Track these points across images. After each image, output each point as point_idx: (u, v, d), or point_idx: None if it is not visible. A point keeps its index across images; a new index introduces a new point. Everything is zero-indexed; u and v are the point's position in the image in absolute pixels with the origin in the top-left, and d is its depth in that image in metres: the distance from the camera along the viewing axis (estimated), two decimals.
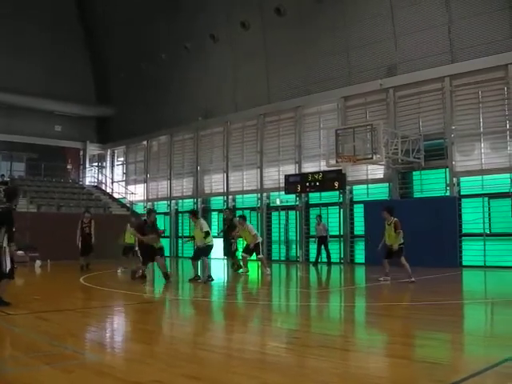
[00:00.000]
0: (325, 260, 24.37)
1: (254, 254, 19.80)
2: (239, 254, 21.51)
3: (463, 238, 22.45)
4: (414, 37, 24.15)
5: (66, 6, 38.81)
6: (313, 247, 26.72)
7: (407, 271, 15.76)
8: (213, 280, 16.71)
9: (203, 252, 17.20)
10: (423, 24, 23.77)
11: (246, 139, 31.06)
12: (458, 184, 22.95)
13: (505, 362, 6.40)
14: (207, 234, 17.05)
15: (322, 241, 24.06)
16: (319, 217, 24.59)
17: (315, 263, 24.10)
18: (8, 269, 10.42)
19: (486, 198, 22.05)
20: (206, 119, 32.93)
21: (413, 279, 15.57)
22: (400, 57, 24.69)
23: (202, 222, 17.79)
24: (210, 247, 17.28)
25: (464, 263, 21.83)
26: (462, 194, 22.97)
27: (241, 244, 21.67)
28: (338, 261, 25.76)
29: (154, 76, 35.77)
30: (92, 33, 40.08)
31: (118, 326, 9.96)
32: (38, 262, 23.32)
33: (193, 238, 18.43)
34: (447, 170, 23.08)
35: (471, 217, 21.57)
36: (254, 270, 21.85)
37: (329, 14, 26.81)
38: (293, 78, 28.57)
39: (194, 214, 18.03)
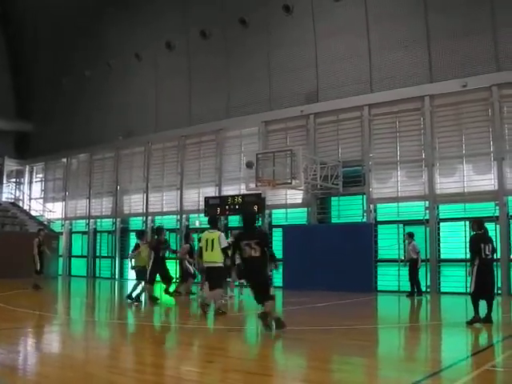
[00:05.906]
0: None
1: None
2: None
3: (379, 263, 22.89)
4: (335, 65, 24.70)
5: None
6: None
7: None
8: None
9: None
10: (345, 53, 24.39)
11: (167, 160, 30.86)
12: (375, 210, 23.44)
13: None
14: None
15: (413, 265, 19.75)
16: (409, 235, 20.19)
17: (410, 294, 19.70)
18: None
19: (401, 225, 22.59)
20: (126, 138, 32.57)
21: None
22: (321, 84, 25.16)
23: None
24: None
25: (379, 288, 22.22)
26: (378, 220, 23.46)
27: None
28: None
29: (75, 92, 35.16)
30: (15, 43, 38.96)
31: (29, 348, 9.67)
32: None
33: None
34: (364, 196, 23.55)
35: (387, 243, 22.00)
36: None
37: (253, 39, 27.12)
38: (215, 101, 28.63)
39: None
